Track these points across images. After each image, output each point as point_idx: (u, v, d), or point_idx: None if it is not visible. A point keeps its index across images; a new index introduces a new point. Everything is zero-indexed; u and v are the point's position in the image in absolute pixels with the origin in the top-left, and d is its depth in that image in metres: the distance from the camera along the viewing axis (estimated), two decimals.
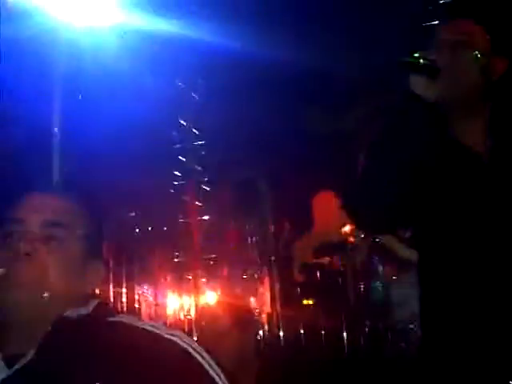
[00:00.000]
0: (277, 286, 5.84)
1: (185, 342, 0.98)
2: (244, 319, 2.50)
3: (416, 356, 1.63)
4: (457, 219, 1.50)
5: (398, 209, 1.53)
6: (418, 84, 1.51)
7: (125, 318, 1.04)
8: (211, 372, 0.95)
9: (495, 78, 1.61)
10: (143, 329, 0.99)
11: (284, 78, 4.91)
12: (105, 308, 1.12)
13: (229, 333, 2.39)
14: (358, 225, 1.80)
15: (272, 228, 5.93)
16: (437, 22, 1.72)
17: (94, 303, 1.09)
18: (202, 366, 0.95)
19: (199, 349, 0.99)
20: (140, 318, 1.13)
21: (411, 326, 4.78)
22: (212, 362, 0.98)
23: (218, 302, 2.97)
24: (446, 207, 1.52)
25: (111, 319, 1.04)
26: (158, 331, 0.99)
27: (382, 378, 4.31)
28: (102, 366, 0.94)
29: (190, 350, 0.97)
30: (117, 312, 1.10)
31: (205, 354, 0.98)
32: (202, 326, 2.57)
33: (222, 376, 0.96)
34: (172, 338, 0.98)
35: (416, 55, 1.51)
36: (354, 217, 1.71)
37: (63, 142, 3.77)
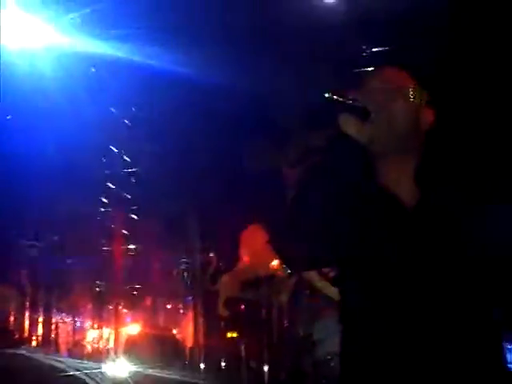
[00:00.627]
0: (201, 319, 5.77)
1: (96, 381, 0.96)
2: (171, 350, 2.46)
3: None
4: (378, 264, 1.52)
5: (323, 247, 1.54)
6: (348, 124, 1.53)
7: (27, 350, 1.01)
8: None
9: (424, 129, 1.65)
10: (45, 364, 0.97)
11: (222, 112, 4.93)
12: (7, 339, 1.06)
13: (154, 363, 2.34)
14: (283, 261, 1.80)
15: (199, 260, 5.88)
16: (370, 68, 1.74)
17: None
18: None
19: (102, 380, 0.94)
20: (46, 352, 1.08)
21: (331, 363, 4.81)
22: None
23: (145, 333, 2.90)
24: (367, 251, 1.54)
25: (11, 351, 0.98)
26: (61, 368, 0.97)
27: None
28: None
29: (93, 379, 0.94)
30: (18, 343, 1.04)
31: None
32: (129, 355, 2.52)
33: None
34: (82, 376, 0.96)
35: (345, 95, 1.53)
36: (279, 253, 1.71)
37: None
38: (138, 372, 2.31)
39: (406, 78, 1.65)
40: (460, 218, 1.51)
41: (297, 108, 5.10)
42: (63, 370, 4.77)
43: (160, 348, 2.35)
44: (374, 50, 4.30)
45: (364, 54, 4.20)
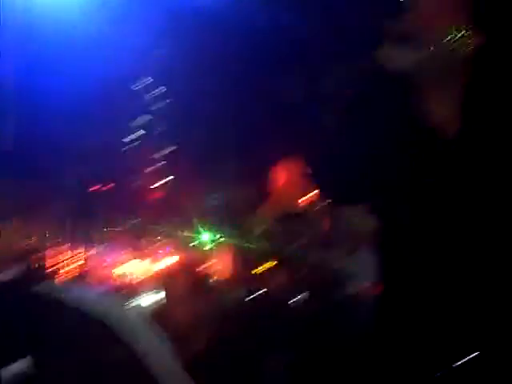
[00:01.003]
0: (236, 253, 5.79)
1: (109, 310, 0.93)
2: (200, 284, 2.46)
3: (369, 327, 1.65)
4: (418, 193, 1.49)
5: (364, 180, 1.52)
6: (391, 53, 1.48)
7: (49, 287, 1.00)
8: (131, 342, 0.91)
9: (471, 52, 1.58)
10: (63, 304, 0.96)
11: (256, 40, 4.82)
12: (31, 273, 1.02)
13: (184, 296, 2.35)
14: (324, 193, 1.78)
15: (236, 195, 5.86)
16: None
17: (23, 265, 0.99)
18: (113, 335, 0.91)
19: (122, 317, 0.89)
20: (68, 285, 1.03)
21: (367, 296, 4.80)
22: (140, 328, 0.89)
23: (174, 266, 2.92)
24: (409, 181, 1.51)
25: (34, 289, 0.95)
26: (80, 306, 0.95)
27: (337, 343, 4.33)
28: (17, 340, 0.86)
29: (112, 319, 0.92)
30: (46, 277, 1.00)
31: (126, 323, 0.89)
32: (163, 288, 2.53)
33: (144, 343, 0.92)
34: (97, 310, 0.93)
35: (389, 26, 1.48)
36: (321, 185, 1.69)
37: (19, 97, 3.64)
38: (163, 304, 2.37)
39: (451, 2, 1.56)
40: (501, 152, 1.45)
41: (334, 40, 4.96)
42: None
43: (191, 280, 2.39)
44: None
45: None
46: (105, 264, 5.55)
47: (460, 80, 1.50)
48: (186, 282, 2.43)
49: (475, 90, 1.50)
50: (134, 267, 5.54)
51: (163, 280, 2.60)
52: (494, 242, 1.40)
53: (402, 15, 1.50)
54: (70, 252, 5.24)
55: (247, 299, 5.04)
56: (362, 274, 4.93)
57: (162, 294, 2.48)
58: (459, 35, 1.50)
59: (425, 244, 1.40)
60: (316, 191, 5.36)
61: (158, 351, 0.84)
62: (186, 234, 5.77)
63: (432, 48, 1.43)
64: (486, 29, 1.56)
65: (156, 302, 2.53)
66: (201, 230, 5.66)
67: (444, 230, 1.39)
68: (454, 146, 1.43)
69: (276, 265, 5.30)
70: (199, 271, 2.66)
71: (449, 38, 1.50)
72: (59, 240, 5.18)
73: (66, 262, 5.28)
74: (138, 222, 5.67)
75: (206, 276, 2.66)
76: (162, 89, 5.65)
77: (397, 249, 1.48)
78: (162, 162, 5.83)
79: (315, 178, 1.60)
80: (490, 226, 1.41)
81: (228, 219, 5.79)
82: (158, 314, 2.45)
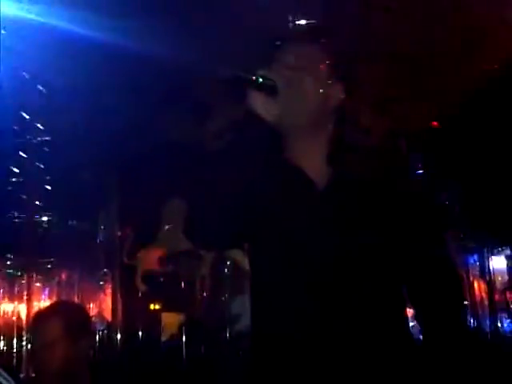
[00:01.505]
0: (118, 293, 5.68)
1: None
2: (78, 326, 2.39)
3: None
4: (287, 240, 1.55)
5: (235, 224, 1.54)
6: (257, 102, 1.53)
7: None
8: None
9: (334, 105, 1.66)
10: None
11: (144, 79, 4.80)
12: None
13: (60, 340, 2.27)
14: (195, 240, 1.78)
15: (117, 234, 5.77)
16: (280, 43, 1.73)
17: None
18: None
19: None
20: None
21: (248, 337, 4.88)
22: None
23: (51, 307, 2.80)
24: (278, 227, 1.56)
25: None
26: None
27: None
28: None
29: None
30: None
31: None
32: (34, 330, 2.42)
33: None
34: None
35: (256, 73, 1.53)
36: (193, 237, 1.70)
37: None
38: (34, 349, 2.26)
39: (318, 54, 1.65)
40: (368, 197, 1.54)
41: (216, 81, 5.04)
42: None
43: (54, 325, 2.28)
44: (297, 22, 4.29)
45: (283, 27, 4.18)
46: None
47: (326, 125, 1.60)
48: (58, 326, 2.34)
49: (338, 142, 1.61)
50: (14, 308, 5.28)
51: (33, 322, 2.50)
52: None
53: (272, 65, 1.57)
54: None
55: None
56: (246, 315, 5.04)
57: (34, 337, 2.39)
58: (324, 89, 1.59)
59: (297, 286, 1.48)
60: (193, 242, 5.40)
61: None
62: (68, 273, 5.61)
63: (296, 94, 1.52)
64: (347, 83, 1.67)
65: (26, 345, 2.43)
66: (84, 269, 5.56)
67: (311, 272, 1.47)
68: (320, 192, 1.53)
69: (162, 306, 5.27)
70: (75, 314, 2.55)
71: (315, 91, 1.59)
72: None
73: None
74: (17, 260, 5.42)
75: (84, 320, 2.57)
76: (44, 128, 5.49)
77: (270, 290, 1.54)
78: (39, 203, 5.63)
79: (190, 231, 1.60)
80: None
81: (113, 260, 5.71)
82: (28, 357, 2.35)
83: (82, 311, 2.72)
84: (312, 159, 1.60)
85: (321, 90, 1.60)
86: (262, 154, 1.52)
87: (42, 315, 2.51)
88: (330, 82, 1.63)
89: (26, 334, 4.93)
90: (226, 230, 1.55)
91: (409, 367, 1.51)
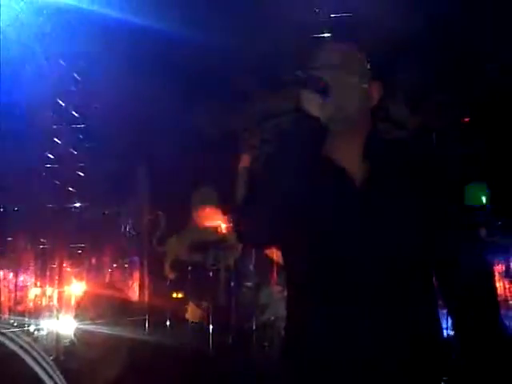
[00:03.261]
0: (146, 279, 5.76)
1: (17, 342, 0.87)
2: (122, 307, 2.45)
3: (278, 356, 1.68)
4: (326, 236, 1.56)
5: (277, 221, 1.57)
6: (310, 101, 1.54)
7: None
8: (45, 378, 0.85)
9: (373, 103, 1.68)
10: None
11: (181, 69, 4.83)
12: None
13: (109, 317, 2.33)
14: (240, 237, 1.81)
15: (147, 220, 5.84)
16: (324, 39, 1.75)
17: None
18: (31, 369, 0.85)
19: (33, 350, 0.88)
20: None
21: (274, 327, 4.92)
22: (48, 365, 0.87)
23: (91, 291, 2.87)
24: (316, 224, 1.57)
25: None
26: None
27: (244, 376, 4.38)
28: None
29: (21, 352, 0.86)
30: None
31: (39, 356, 0.88)
32: (83, 310, 2.48)
33: (58, 379, 0.87)
34: (1, 338, 0.86)
35: (308, 71, 1.54)
36: (241, 233, 1.73)
37: None
38: (81, 329, 2.29)
39: (359, 51, 1.67)
40: (404, 190, 1.55)
41: (256, 71, 5.06)
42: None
43: (106, 306, 2.34)
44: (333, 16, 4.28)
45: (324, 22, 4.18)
46: (14, 288, 5.37)
47: (366, 124, 1.61)
48: (110, 303, 2.40)
49: (375, 137, 1.61)
50: (45, 291, 5.40)
51: (84, 302, 2.55)
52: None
53: (320, 64, 1.58)
54: None
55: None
56: (272, 306, 5.06)
57: (83, 317, 2.43)
58: (367, 86, 1.60)
59: (332, 282, 1.48)
60: (228, 226, 5.48)
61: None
62: (98, 259, 5.71)
63: (345, 94, 1.52)
64: (384, 79, 1.67)
65: (75, 325, 2.48)
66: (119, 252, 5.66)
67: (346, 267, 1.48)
68: (359, 191, 1.54)
69: (186, 295, 5.32)
70: (121, 293, 2.63)
71: (360, 89, 1.60)
72: None
73: None
74: (49, 245, 5.53)
75: (121, 300, 2.64)
76: (79, 116, 5.57)
77: (305, 285, 1.55)
78: (72, 189, 5.72)
79: (238, 225, 1.62)
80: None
81: (142, 246, 5.79)
82: (81, 336, 2.41)
83: (124, 294, 2.80)
84: (350, 155, 1.62)
85: (364, 88, 1.63)
86: (305, 152, 1.54)
87: (89, 296, 2.58)
88: (371, 78, 1.65)
89: (60, 316, 5.04)
90: (271, 228, 1.58)
91: (437, 361, 1.52)
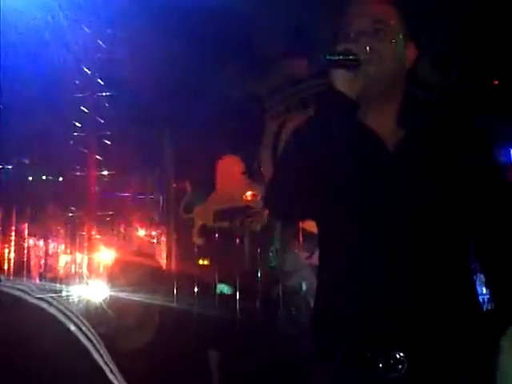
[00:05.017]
0: (174, 246, 5.82)
1: (59, 309, 0.86)
2: (156, 274, 2.48)
3: (305, 321, 1.69)
4: (359, 203, 1.55)
5: (309, 195, 1.55)
6: (340, 80, 1.51)
7: None
8: (84, 340, 0.84)
9: (409, 66, 1.64)
10: (7, 293, 0.86)
11: (203, 35, 4.78)
12: None
13: (142, 286, 2.36)
14: (274, 214, 1.82)
15: (173, 188, 5.87)
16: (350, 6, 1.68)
17: None
18: (72, 333, 0.84)
19: (77, 318, 0.88)
20: (14, 278, 0.98)
21: (300, 293, 4.95)
22: (87, 329, 0.87)
23: (120, 258, 2.90)
24: (350, 192, 1.56)
25: None
26: (25, 296, 0.86)
27: (269, 341, 4.43)
28: None
29: (64, 319, 0.85)
30: None
31: (78, 321, 0.86)
32: (117, 276, 2.50)
33: (98, 345, 0.86)
34: (43, 305, 0.85)
35: (337, 51, 1.50)
36: (271, 207, 1.72)
37: None
38: (110, 295, 2.33)
39: (391, 14, 1.61)
40: (437, 155, 1.52)
41: (280, 35, 4.98)
42: (28, 295, 4.75)
43: (135, 272, 2.36)
44: None
45: None
46: (44, 255, 5.49)
47: (401, 88, 1.56)
48: (142, 270, 2.43)
49: (409, 102, 1.57)
50: (74, 258, 5.50)
51: (118, 268, 2.57)
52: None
53: (347, 33, 1.53)
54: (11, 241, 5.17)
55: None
56: (298, 272, 5.08)
57: (116, 284, 2.46)
58: (398, 50, 1.55)
59: (365, 250, 1.47)
60: (255, 189, 5.50)
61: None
62: (126, 226, 5.78)
63: (377, 62, 1.47)
64: (417, 42, 1.62)
65: (105, 292, 2.52)
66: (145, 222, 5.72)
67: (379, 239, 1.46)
68: (391, 156, 1.51)
69: (213, 261, 5.38)
70: (150, 260, 2.66)
71: (390, 53, 1.55)
72: None
73: (6, 251, 5.20)
74: (77, 213, 5.60)
75: (156, 265, 2.68)
76: (105, 83, 5.57)
77: (338, 253, 1.54)
78: (102, 157, 5.76)
79: (269, 200, 1.60)
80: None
81: (168, 213, 5.84)
82: (111, 302, 2.44)
83: (156, 261, 2.83)
84: (384, 121, 1.59)
85: (397, 52, 1.58)
86: (338, 124, 1.52)
87: (119, 263, 2.61)
88: (404, 42, 1.60)
89: (90, 282, 5.13)
90: (303, 203, 1.57)
91: (472, 330, 1.50)
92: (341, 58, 1.49)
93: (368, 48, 1.51)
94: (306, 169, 1.51)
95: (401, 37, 1.60)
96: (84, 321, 0.88)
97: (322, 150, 1.51)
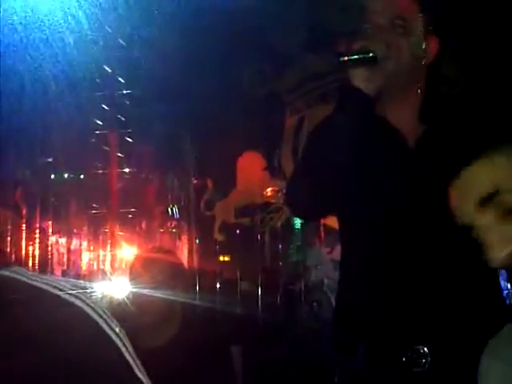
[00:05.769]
0: (195, 243, 5.85)
1: (88, 304, 0.84)
2: (177, 271, 2.50)
3: (327, 316, 1.69)
4: (379, 197, 1.54)
5: (331, 190, 1.55)
6: (359, 77, 1.50)
7: (17, 272, 0.86)
8: (117, 341, 0.83)
9: (429, 60, 1.61)
10: (37, 287, 0.84)
11: (223, 33, 4.79)
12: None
13: (164, 281, 2.38)
14: (295, 212, 1.82)
15: (194, 185, 5.90)
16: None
17: None
18: (105, 333, 0.82)
19: (105, 313, 0.87)
20: (40, 273, 0.98)
21: (323, 288, 4.95)
22: (119, 329, 0.86)
23: (143, 255, 2.92)
24: (370, 186, 1.55)
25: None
26: (55, 291, 0.84)
27: (292, 337, 4.43)
28: None
29: (94, 315, 0.84)
30: (11, 263, 0.93)
31: (111, 321, 0.87)
32: (139, 274, 2.51)
33: (126, 341, 0.84)
34: (73, 300, 0.84)
35: (355, 50, 1.49)
36: (293, 205, 1.72)
37: None
38: (133, 292, 2.35)
39: (410, 8, 1.59)
40: (460, 156, 1.51)
41: (298, 32, 4.97)
42: (58, 290, 4.82)
43: (157, 269, 2.39)
44: None
45: None
46: (67, 252, 5.56)
47: (421, 83, 1.55)
48: (164, 267, 2.45)
49: (430, 97, 1.56)
50: (97, 255, 5.57)
51: (139, 265, 2.59)
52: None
53: (366, 28, 1.52)
54: (35, 240, 5.25)
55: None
56: (320, 267, 5.09)
57: (139, 280, 2.48)
58: (418, 45, 1.53)
59: (385, 245, 1.46)
60: (275, 185, 5.51)
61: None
62: (148, 223, 5.83)
63: (395, 58, 1.46)
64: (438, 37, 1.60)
65: (129, 289, 2.54)
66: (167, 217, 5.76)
67: (399, 234, 1.45)
68: (412, 152, 1.50)
69: (234, 257, 5.39)
70: (172, 256, 2.68)
71: (409, 49, 1.53)
72: (23, 227, 5.18)
73: (31, 248, 5.28)
74: (100, 210, 5.66)
75: (173, 263, 2.69)
76: (125, 82, 5.62)
77: (359, 248, 1.54)
78: (121, 155, 5.81)
79: (291, 197, 1.60)
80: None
81: (189, 209, 5.88)
82: (135, 301, 2.46)
83: (177, 257, 2.85)
84: (404, 116, 1.58)
85: (417, 47, 1.56)
86: (358, 121, 1.51)
87: (141, 259, 2.63)
88: (424, 37, 1.58)
89: (112, 278, 5.18)
90: (324, 201, 1.57)
91: (496, 324, 1.50)
92: (358, 56, 1.48)
93: (386, 44, 1.50)
94: (328, 166, 1.51)
95: (420, 32, 1.58)
96: (112, 317, 0.88)
97: (342, 147, 1.51)
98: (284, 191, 1.71)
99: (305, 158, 1.61)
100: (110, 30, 5.36)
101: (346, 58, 1.48)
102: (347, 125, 1.52)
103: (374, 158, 1.57)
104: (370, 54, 1.48)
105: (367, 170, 1.55)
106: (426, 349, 1.46)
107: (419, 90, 1.61)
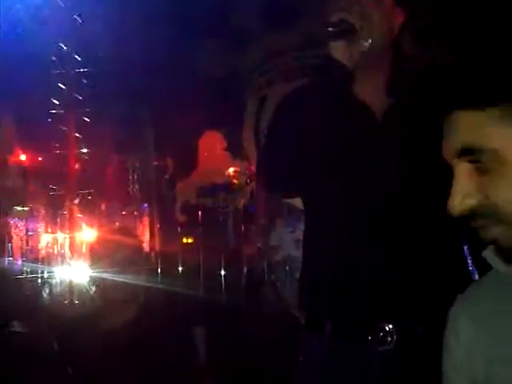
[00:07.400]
0: (157, 224, 5.79)
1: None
2: (129, 254, 2.45)
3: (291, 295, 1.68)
4: (345, 172, 1.53)
5: (302, 168, 1.53)
6: (339, 50, 1.49)
7: None
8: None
9: (395, 34, 1.61)
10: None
11: (182, 7, 4.70)
12: None
13: (126, 264, 2.34)
14: (269, 188, 1.79)
15: (154, 165, 5.82)
16: None
17: None
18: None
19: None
20: None
21: (286, 268, 4.97)
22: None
23: (102, 237, 2.88)
24: (337, 160, 1.54)
25: None
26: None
27: (256, 316, 4.44)
28: None
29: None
30: None
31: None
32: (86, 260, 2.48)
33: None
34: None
35: (334, 21, 1.48)
36: (265, 181, 1.69)
37: None
38: (94, 276, 2.31)
39: None
40: (426, 131, 1.51)
41: (260, 8, 4.91)
42: (18, 274, 4.75)
43: (118, 252, 2.36)
44: None
45: None
46: (25, 235, 5.42)
47: (391, 56, 1.55)
48: (122, 249, 2.40)
49: (396, 71, 1.55)
50: (56, 238, 5.45)
51: (96, 248, 2.55)
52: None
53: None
54: None
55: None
56: (283, 248, 5.10)
57: (100, 263, 2.43)
58: (392, 19, 1.53)
59: (350, 220, 1.45)
60: (237, 165, 5.48)
61: None
62: (108, 205, 5.73)
63: (372, 31, 1.45)
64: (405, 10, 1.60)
65: (88, 271, 2.49)
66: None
67: (363, 211, 1.44)
68: (379, 128, 1.49)
69: (197, 239, 5.36)
70: (133, 239, 2.63)
71: (387, 23, 1.53)
72: None
73: None
74: (58, 191, 5.54)
75: (133, 246, 2.64)
76: (84, 59, 5.48)
77: (324, 225, 1.52)
78: (79, 135, 5.69)
79: (262, 173, 1.59)
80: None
81: (150, 191, 5.80)
82: (94, 282, 2.42)
83: (138, 239, 2.80)
84: (375, 91, 1.57)
85: (390, 21, 1.56)
86: (332, 95, 1.50)
87: (101, 242, 2.58)
88: (395, 10, 1.58)
89: (72, 262, 5.10)
90: (295, 175, 1.55)
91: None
92: (338, 28, 1.47)
93: (363, 16, 1.49)
94: (298, 137, 1.49)
95: (392, 5, 1.58)
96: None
97: (312, 121, 1.49)
98: (245, 170, 1.68)
99: (276, 128, 1.58)
100: (63, 5, 5.20)
101: (327, 30, 1.47)
102: (325, 97, 1.50)
103: (342, 132, 1.55)
104: (350, 27, 1.47)
105: (335, 145, 1.53)
106: (391, 326, 1.45)
107: (388, 66, 1.60)
